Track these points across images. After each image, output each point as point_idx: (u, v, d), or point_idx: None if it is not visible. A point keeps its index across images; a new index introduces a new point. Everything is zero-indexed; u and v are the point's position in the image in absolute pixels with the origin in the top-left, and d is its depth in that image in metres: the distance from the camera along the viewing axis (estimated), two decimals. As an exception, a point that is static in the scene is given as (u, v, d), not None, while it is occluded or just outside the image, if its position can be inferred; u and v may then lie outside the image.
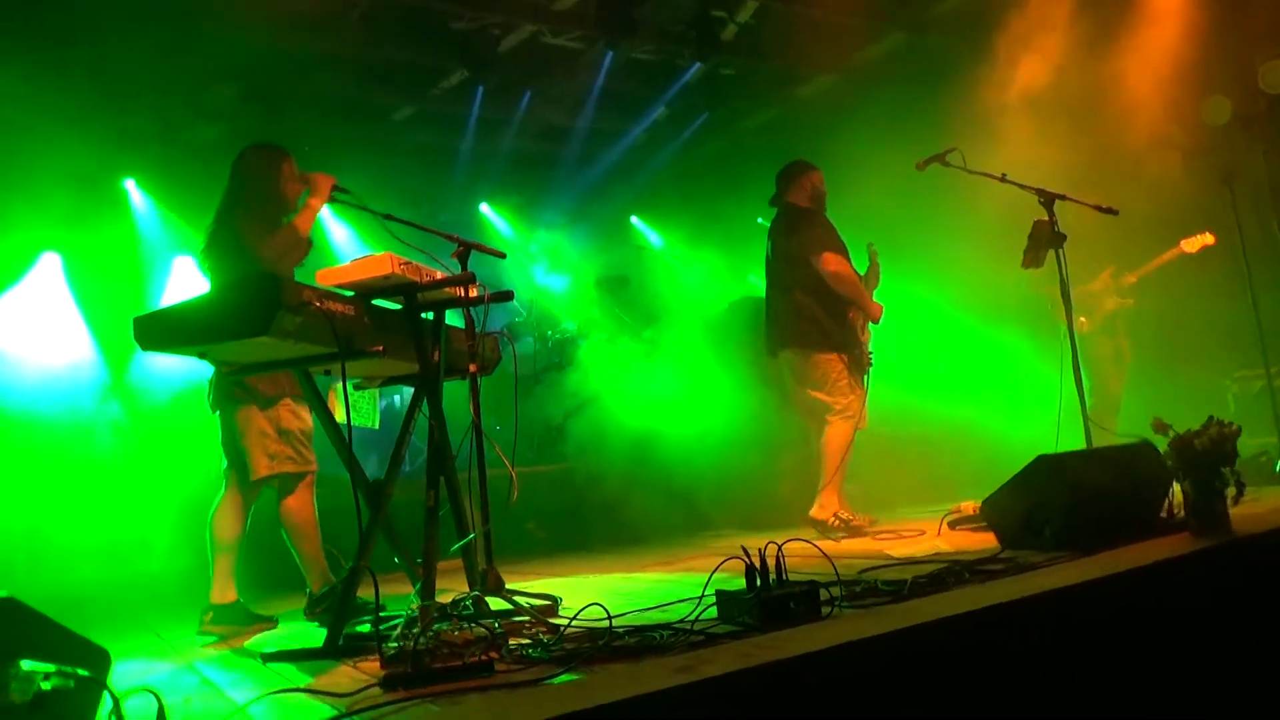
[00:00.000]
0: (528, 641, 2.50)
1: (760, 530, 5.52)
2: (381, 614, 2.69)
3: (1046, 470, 3.46)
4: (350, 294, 2.86)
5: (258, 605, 3.65)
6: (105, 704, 1.80)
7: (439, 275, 3.05)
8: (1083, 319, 6.12)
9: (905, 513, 5.41)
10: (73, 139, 5.67)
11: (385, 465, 3.07)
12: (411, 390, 3.20)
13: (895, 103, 6.49)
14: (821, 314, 4.95)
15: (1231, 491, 3.15)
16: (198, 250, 3.64)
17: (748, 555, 2.54)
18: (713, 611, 2.57)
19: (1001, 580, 2.82)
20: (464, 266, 3.23)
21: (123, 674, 2.50)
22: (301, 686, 2.20)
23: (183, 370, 5.38)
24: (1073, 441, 5.75)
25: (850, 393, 4.95)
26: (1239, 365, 6.45)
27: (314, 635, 3.18)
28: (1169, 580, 2.91)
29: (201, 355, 2.68)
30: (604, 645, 2.26)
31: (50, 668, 1.69)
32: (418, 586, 2.97)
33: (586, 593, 3.58)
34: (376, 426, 3.73)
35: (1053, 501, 3.36)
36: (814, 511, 4.87)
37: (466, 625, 2.57)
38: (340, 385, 3.58)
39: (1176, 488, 3.47)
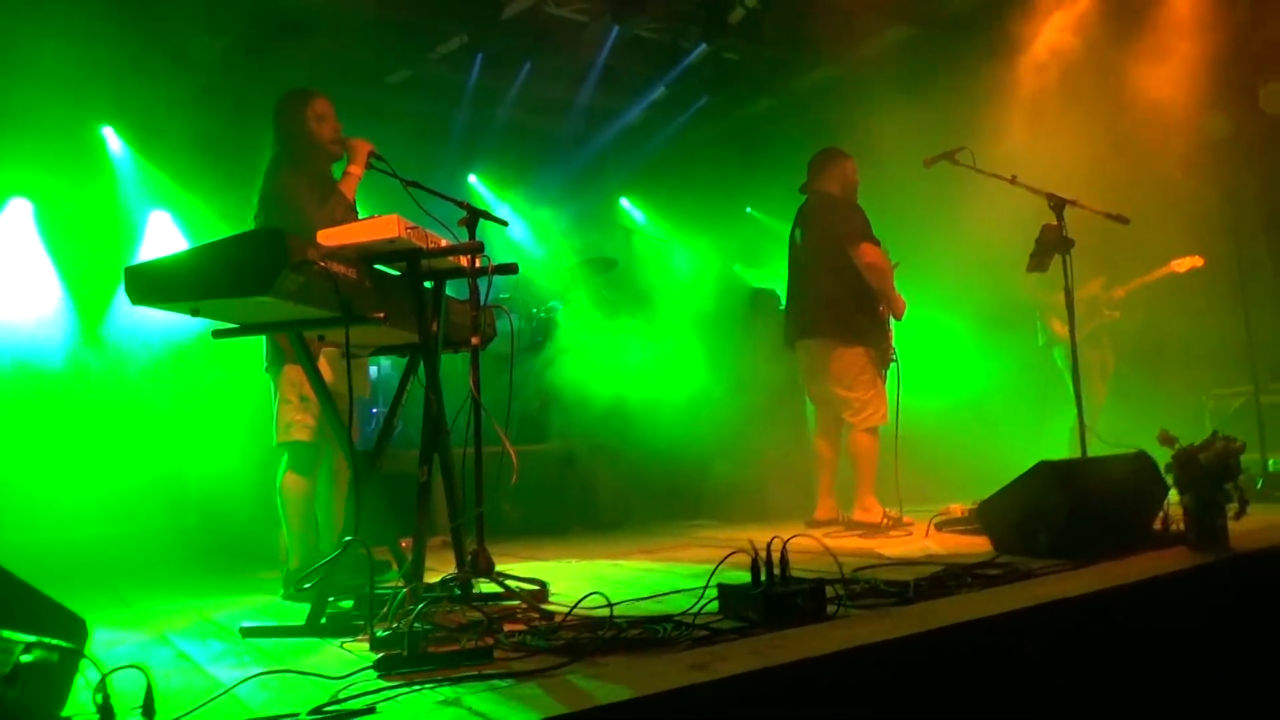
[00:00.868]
0: (523, 628, 2.41)
1: (738, 523, 5.48)
2: (366, 593, 2.58)
3: (1047, 477, 3.43)
4: (352, 255, 2.73)
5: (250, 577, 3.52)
6: (80, 678, 1.68)
7: (444, 243, 2.93)
8: (1063, 328, 6.13)
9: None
10: (48, 81, 5.44)
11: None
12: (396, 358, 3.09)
13: (898, 99, 6.43)
14: (853, 305, 4.86)
15: (1234, 508, 3.13)
16: (250, 214, 3.53)
17: (755, 549, 2.47)
18: (713, 606, 2.50)
19: (1005, 587, 2.79)
20: (471, 235, 3.12)
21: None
22: (293, 667, 2.09)
23: (161, 325, 5.20)
24: (1057, 448, 5.81)
25: (871, 388, 4.87)
26: (1217, 383, 6.51)
27: (290, 611, 3.07)
28: (1169, 594, 2.89)
29: (193, 312, 2.54)
30: (609, 637, 2.17)
31: (30, 638, 1.57)
32: (404, 566, 2.87)
33: (573, 579, 3.51)
34: (368, 395, 3.60)
35: (1052, 508, 3.33)
36: (858, 515, 4.80)
37: (459, 608, 2.48)
38: (328, 351, 3.47)
39: (1171, 500, 3.46)
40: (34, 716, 1.56)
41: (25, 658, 1.51)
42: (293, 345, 2.78)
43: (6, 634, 1.56)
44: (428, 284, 2.99)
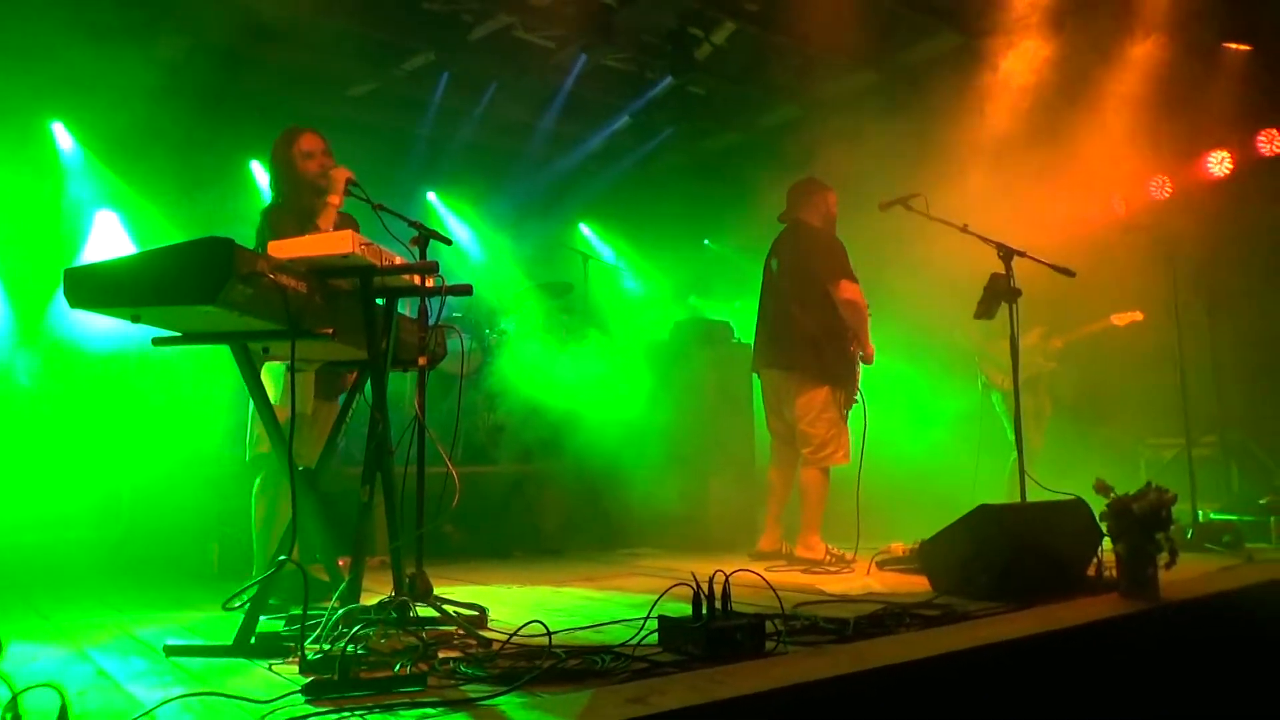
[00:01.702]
0: (460, 655, 2.37)
1: (680, 553, 5.48)
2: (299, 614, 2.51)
3: (986, 520, 3.48)
4: (303, 270, 2.69)
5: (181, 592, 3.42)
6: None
7: (398, 260, 2.90)
8: (1000, 376, 6.27)
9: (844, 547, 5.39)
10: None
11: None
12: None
13: (858, 141, 6.56)
14: (825, 343, 4.81)
15: (1164, 557, 3.20)
16: (177, 224, 3.60)
17: (697, 582, 2.46)
18: (653, 638, 2.48)
19: (942, 628, 2.81)
20: (423, 254, 3.10)
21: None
22: (218, 688, 2.02)
23: (101, 331, 5.06)
24: (995, 491, 5.91)
25: (834, 427, 4.83)
26: (1153, 433, 6.68)
27: (223, 629, 2.98)
28: (1100, 640, 2.94)
29: (134, 318, 2.47)
30: (547, 667, 2.14)
31: (-60, 651, 1.50)
32: (340, 586, 2.80)
33: (513, 605, 3.47)
34: (309, 412, 3.54)
35: (992, 551, 3.38)
36: (800, 552, 4.78)
37: (395, 632, 2.43)
38: (273, 366, 3.40)
39: (1105, 547, 3.54)
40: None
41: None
42: (236, 358, 2.72)
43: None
44: (380, 300, 2.96)
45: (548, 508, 6.18)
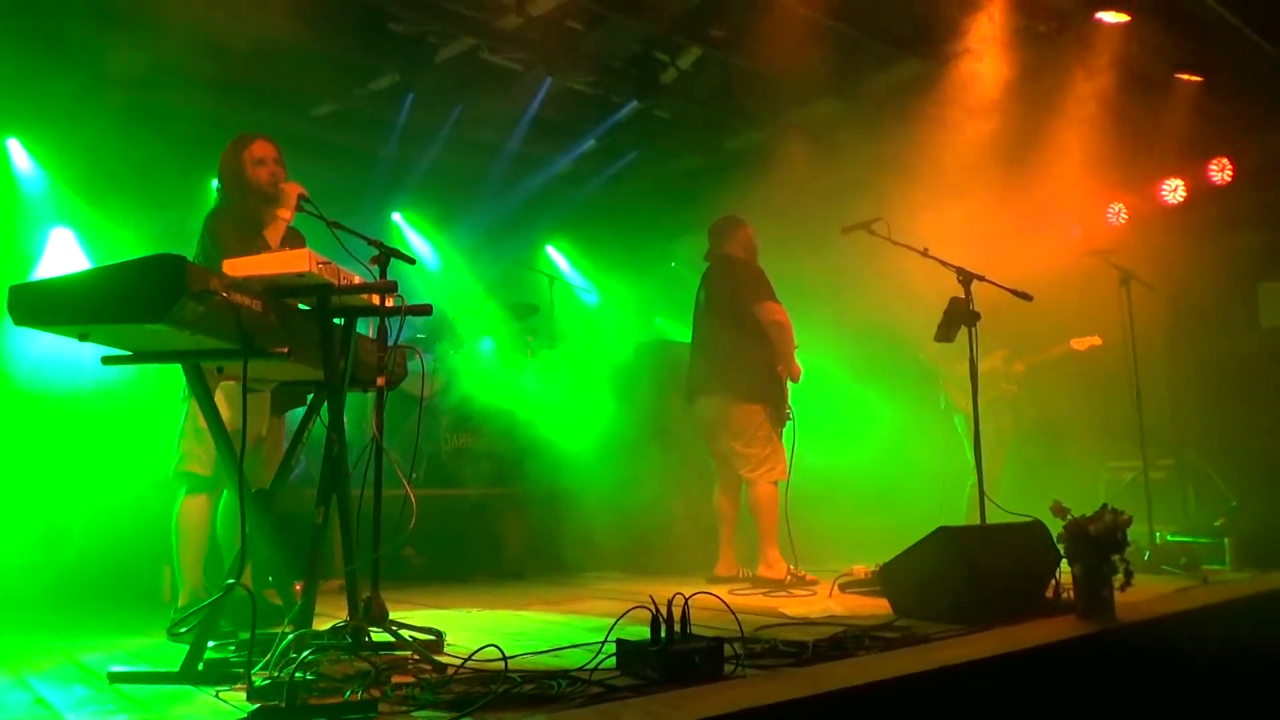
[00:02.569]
0: (412, 681, 2.33)
1: (643, 575, 5.45)
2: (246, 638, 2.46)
3: (946, 543, 3.50)
4: (258, 288, 2.66)
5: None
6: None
7: (356, 279, 2.88)
8: (962, 398, 6.34)
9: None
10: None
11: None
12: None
13: (821, 166, 6.64)
14: (754, 363, 4.97)
15: (1120, 579, 3.23)
16: (136, 242, 3.51)
17: (655, 606, 2.44)
18: (611, 661, 2.46)
19: (901, 651, 2.81)
20: (384, 273, 3.08)
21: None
22: (160, 717, 1.97)
23: (50, 350, 4.95)
24: (955, 513, 5.95)
25: (768, 444, 4.94)
26: (1113, 456, 6.77)
27: (168, 656, 2.90)
28: (1057, 661, 2.96)
29: (82, 336, 2.42)
30: (501, 692, 2.11)
31: None
32: (292, 611, 2.75)
33: (472, 629, 3.42)
34: (264, 433, 3.48)
35: (951, 574, 3.39)
36: (762, 571, 4.81)
37: (347, 658, 2.38)
38: (226, 385, 3.35)
39: (1063, 569, 3.57)
40: None
41: None
42: (187, 376, 2.67)
43: None
44: (338, 320, 2.93)
45: (510, 531, 6.12)
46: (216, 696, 2.28)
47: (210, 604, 2.59)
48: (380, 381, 2.99)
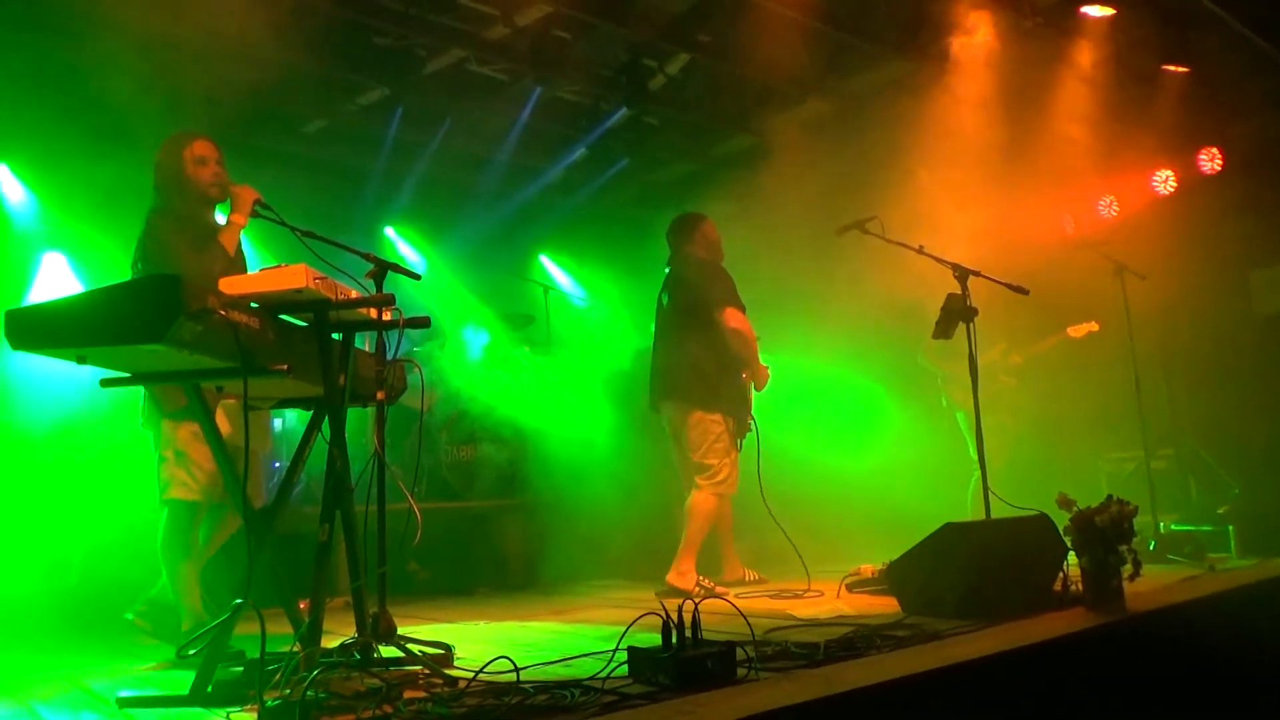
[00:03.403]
0: (425, 695, 2.31)
1: (649, 583, 5.41)
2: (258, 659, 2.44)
3: (953, 539, 3.49)
4: (255, 305, 2.64)
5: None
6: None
7: (354, 294, 2.86)
8: (963, 395, 6.34)
9: (798, 571, 5.39)
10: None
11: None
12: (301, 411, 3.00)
13: (813, 167, 6.64)
14: (714, 371, 4.84)
15: (1128, 570, 3.23)
16: (129, 264, 3.40)
17: (666, 611, 2.43)
18: (623, 669, 2.44)
19: (912, 649, 2.80)
20: (379, 287, 3.06)
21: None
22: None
23: (48, 374, 4.92)
24: (960, 509, 5.94)
25: (725, 456, 4.83)
26: (1113, 447, 6.78)
27: (178, 680, 2.88)
28: (1069, 654, 2.95)
29: (80, 359, 2.40)
30: (514, 703, 2.09)
31: None
32: (301, 629, 2.73)
33: (480, 642, 3.40)
34: (268, 450, 3.46)
35: (957, 570, 3.39)
36: (672, 578, 4.66)
37: (357, 675, 2.36)
38: (228, 404, 3.33)
39: (1070, 562, 3.56)
40: None
41: None
42: (188, 396, 2.66)
43: None
44: (336, 335, 2.91)
45: (513, 542, 6.10)
46: (227, 718, 2.26)
47: (219, 625, 2.57)
48: (380, 396, 2.97)
